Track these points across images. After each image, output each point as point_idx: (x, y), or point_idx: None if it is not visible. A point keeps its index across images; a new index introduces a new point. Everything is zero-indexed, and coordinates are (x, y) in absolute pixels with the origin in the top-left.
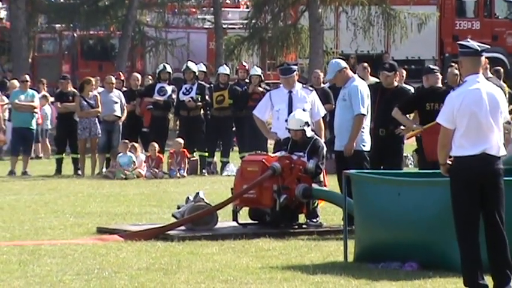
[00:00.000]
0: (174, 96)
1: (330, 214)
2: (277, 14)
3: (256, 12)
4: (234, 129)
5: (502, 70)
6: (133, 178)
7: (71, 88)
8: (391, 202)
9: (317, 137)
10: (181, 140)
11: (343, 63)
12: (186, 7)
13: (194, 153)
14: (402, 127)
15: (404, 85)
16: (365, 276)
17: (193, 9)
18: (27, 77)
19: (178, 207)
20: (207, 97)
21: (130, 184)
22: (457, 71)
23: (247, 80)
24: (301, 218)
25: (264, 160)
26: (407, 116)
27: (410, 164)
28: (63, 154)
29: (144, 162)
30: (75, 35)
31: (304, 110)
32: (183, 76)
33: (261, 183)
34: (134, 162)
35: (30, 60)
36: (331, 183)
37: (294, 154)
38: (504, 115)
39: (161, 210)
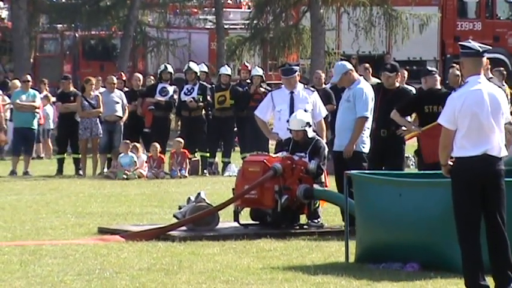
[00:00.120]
0: (175, 96)
1: (331, 215)
2: (278, 14)
3: (258, 13)
4: (235, 129)
5: (504, 72)
6: (135, 178)
7: (72, 88)
8: (392, 203)
9: (318, 138)
10: (181, 140)
11: (349, 65)
12: (187, 7)
13: (195, 154)
14: (403, 128)
15: (406, 86)
16: (366, 277)
17: (195, 10)
18: (29, 77)
19: (180, 208)
20: (208, 97)
21: (131, 184)
22: (458, 72)
23: (248, 81)
24: (303, 219)
25: (265, 161)
26: (408, 117)
27: (412, 164)
28: (65, 154)
29: (146, 162)
30: (76, 35)
31: (305, 110)
32: (184, 76)
33: (262, 184)
34: (135, 162)
35: (31, 60)
36: (331, 183)
37: (295, 155)
38: (506, 116)
39: (162, 210)
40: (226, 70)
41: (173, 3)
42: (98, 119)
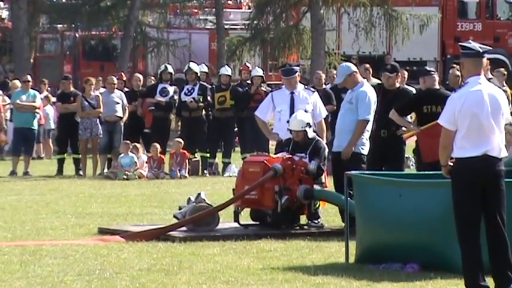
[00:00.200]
0: (175, 97)
1: (331, 215)
2: (279, 15)
3: (258, 13)
4: (235, 130)
5: (505, 72)
6: (135, 179)
7: (72, 88)
8: (393, 203)
9: (319, 138)
10: (180, 141)
11: (353, 67)
12: (188, 8)
13: (196, 154)
14: (404, 128)
15: (406, 86)
16: (366, 278)
17: (195, 10)
18: (29, 77)
19: (180, 208)
20: (208, 98)
21: (131, 185)
22: (458, 73)
23: (249, 81)
24: (303, 219)
25: (265, 161)
26: (408, 118)
27: (412, 165)
28: (65, 154)
29: (146, 163)
30: (76, 35)
31: (305, 111)
32: (184, 77)
33: (262, 184)
34: (136, 162)
35: (31, 60)
36: (331, 184)
37: (295, 155)
38: (506, 117)
39: (162, 211)
40: (226, 70)
41: (173, 4)
42: (98, 120)
